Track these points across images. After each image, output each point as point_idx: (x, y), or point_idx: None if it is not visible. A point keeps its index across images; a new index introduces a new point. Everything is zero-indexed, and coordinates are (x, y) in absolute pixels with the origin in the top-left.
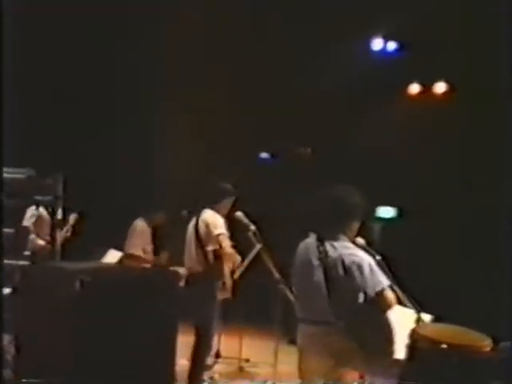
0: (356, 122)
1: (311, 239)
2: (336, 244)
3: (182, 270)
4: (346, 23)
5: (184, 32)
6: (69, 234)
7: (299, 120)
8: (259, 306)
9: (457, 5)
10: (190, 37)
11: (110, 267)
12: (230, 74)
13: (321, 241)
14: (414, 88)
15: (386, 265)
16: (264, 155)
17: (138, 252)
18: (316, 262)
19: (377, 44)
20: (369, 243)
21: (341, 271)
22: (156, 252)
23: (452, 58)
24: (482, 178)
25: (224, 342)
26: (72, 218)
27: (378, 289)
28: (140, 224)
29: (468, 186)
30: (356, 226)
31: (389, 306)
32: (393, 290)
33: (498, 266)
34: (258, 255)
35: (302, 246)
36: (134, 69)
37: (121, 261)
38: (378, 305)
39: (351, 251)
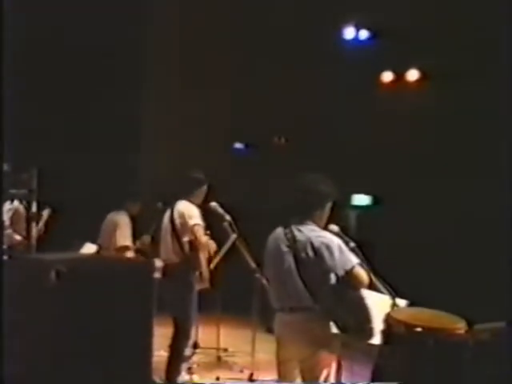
0: (330, 111)
1: (280, 228)
2: (303, 228)
3: (158, 262)
4: (317, 12)
5: (158, 31)
6: (43, 228)
7: (273, 110)
8: (236, 296)
9: None
10: (164, 35)
11: (86, 258)
12: (204, 65)
13: (288, 227)
14: (387, 76)
15: (361, 252)
16: (238, 145)
17: (125, 243)
18: (285, 249)
19: (349, 33)
20: (343, 230)
21: (310, 253)
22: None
23: (425, 45)
24: (458, 164)
25: (202, 333)
26: (46, 212)
27: (348, 267)
28: (121, 216)
29: (444, 173)
30: (325, 214)
31: (361, 284)
32: (363, 268)
33: (475, 252)
34: (233, 245)
35: (271, 236)
36: (107, 61)
37: (98, 253)
38: (350, 283)
39: (319, 233)
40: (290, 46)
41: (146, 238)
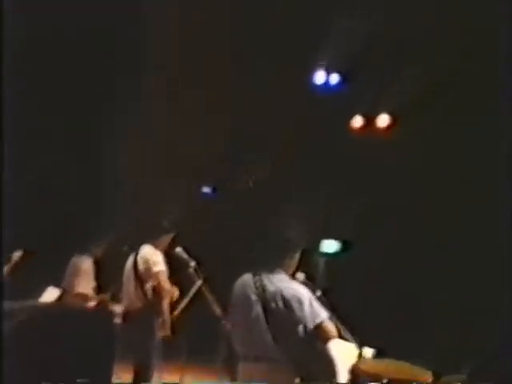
0: (300, 156)
1: (248, 275)
2: (273, 278)
3: (119, 308)
4: (287, 56)
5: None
6: (10, 271)
7: (241, 153)
8: (201, 343)
9: (401, 35)
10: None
11: (46, 306)
12: (169, 108)
13: (257, 275)
14: (357, 121)
15: (328, 300)
16: (206, 189)
17: (87, 290)
18: (254, 297)
19: (319, 77)
20: (309, 278)
21: (280, 304)
22: (99, 289)
23: (395, 89)
24: (430, 211)
25: (166, 381)
26: (15, 255)
27: (318, 321)
28: (85, 261)
29: (415, 220)
30: (295, 260)
31: (329, 338)
32: (332, 322)
33: (444, 300)
34: (199, 291)
35: (238, 282)
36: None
37: (60, 298)
38: (318, 337)
39: (290, 285)
40: (259, 91)
41: (107, 292)
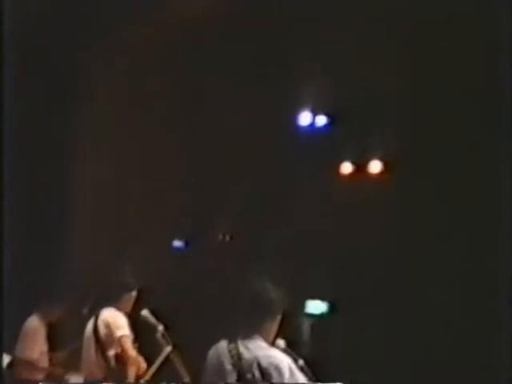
0: (283, 205)
1: (222, 342)
2: (250, 345)
3: (77, 379)
4: (270, 96)
5: None
6: None
7: (219, 204)
8: None
9: (392, 76)
10: None
11: None
12: (141, 159)
13: (233, 342)
14: (347, 167)
15: (312, 369)
16: (177, 243)
17: (34, 356)
18: (228, 367)
19: (304, 118)
20: (291, 344)
21: (257, 374)
22: (51, 355)
23: (388, 133)
24: (423, 265)
25: None
26: None
27: None
28: (34, 322)
29: (407, 278)
30: (274, 325)
31: None
32: None
33: (442, 363)
34: (167, 359)
35: (213, 350)
36: None
37: (11, 365)
38: None
39: (268, 352)
40: (240, 133)
41: (61, 359)
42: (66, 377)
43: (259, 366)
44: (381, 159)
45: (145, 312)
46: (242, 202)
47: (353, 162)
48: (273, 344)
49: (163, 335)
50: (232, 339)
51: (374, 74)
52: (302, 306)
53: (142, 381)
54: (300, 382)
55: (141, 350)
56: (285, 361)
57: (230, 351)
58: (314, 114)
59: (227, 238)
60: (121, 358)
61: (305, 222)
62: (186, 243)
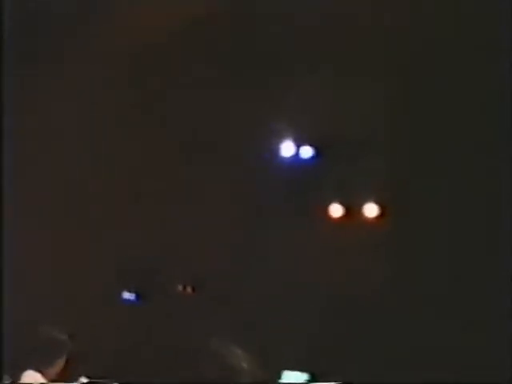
0: (256, 252)
1: None
2: None
3: None
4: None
5: None
6: None
7: (180, 248)
8: None
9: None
10: None
11: None
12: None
13: None
14: (336, 210)
15: None
16: (127, 295)
17: None
18: None
19: (286, 149)
20: None
21: None
22: None
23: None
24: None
25: None
26: None
27: None
28: None
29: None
30: None
31: None
32: None
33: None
34: None
35: None
36: None
37: None
38: None
39: None
40: (212, 165)
41: None
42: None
43: None
44: (377, 201)
45: (83, 380)
46: (209, 247)
47: (343, 204)
48: None
49: None
50: None
51: (368, 99)
52: (278, 377)
53: None
54: None
55: None
56: None
57: None
58: (298, 144)
59: (188, 289)
60: None
61: (283, 272)
62: (137, 294)
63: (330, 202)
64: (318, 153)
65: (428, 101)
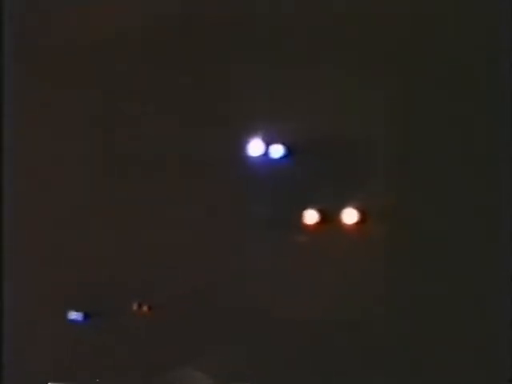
0: (220, 265)
1: None
2: None
3: None
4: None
5: None
6: None
7: (135, 261)
8: None
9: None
10: None
11: None
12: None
13: None
14: (311, 216)
15: None
16: (74, 315)
17: None
18: None
19: (254, 147)
20: None
21: None
22: None
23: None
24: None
25: None
26: None
27: None
28: None
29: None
30: None
31: None
32: None
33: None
34: None
35: None
36: None
37: None
38: None
39: None
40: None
41: None
42: None
43: None
44: (356, 207)
45: None
46: (169, 260)
47: (319, 210)
48: None
49: None
50: None
51: (352, 92)
52: None
53: None
54: None
55: None
56: None
57: None
58: (267, 142)
59: (144, 308)
60: None
61: (251, 287)
62: (86, 315)
63: (303, 208)
64: (290, 152)
65: (424, 100)
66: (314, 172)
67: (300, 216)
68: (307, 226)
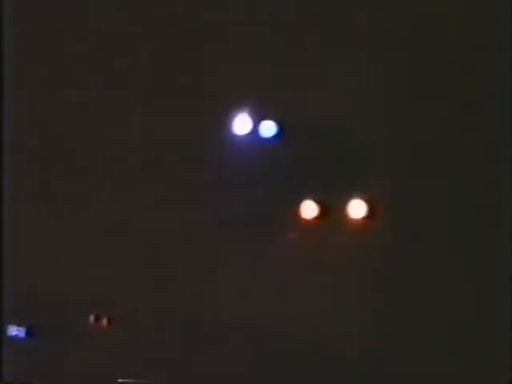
0: (197, 270)
1: None
2: None
3: None
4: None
5: None
6: None
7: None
8: None
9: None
10: None
11: None
12: None
13: None
14: (310, 209)
15: None
16: (14, 331)
17: None
18: None
19: (241, 124)
20: None
21: None
22: None
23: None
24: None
25: None
26: None
27: None
28: None
29: None
30: None
31: None
32: None
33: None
34: None
35: None
36: None
37: None
38: None
39: None
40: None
41: None
42: None
43: None
44: (364, 198)
45: None
46: (131, 268)
47: (319, 202)
48: None
49: None
50: None
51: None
52: None
53: None
54: None
55: None
56: None
57: None
58: (257, 118)
59: (103, 321)
60: None
61: (231, 296)
62: (28, 330)
63: (301, 199)
64: (283, 130)
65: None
66: (312, 154)
67: (296, 208)
68: (305, 221)
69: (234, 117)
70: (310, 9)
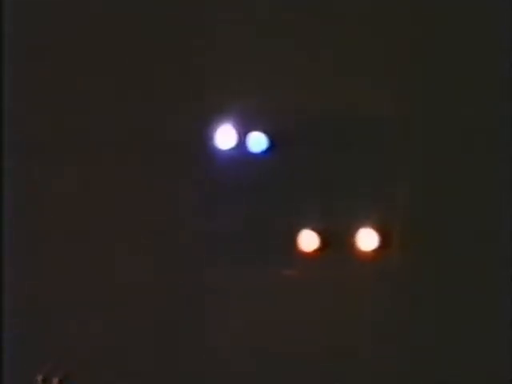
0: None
1: None
2: None
3: None
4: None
5: None
6: None
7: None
8: None
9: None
10: None
11: None
12: None
13: None
14: (309, 239)
15: None
16: None
17: None
18: None
19: (226, 139)
20: None
21: None
22: None
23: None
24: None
25: None
26: None
27: None
28: None
29: None
30: None
31: None
32: None
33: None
34: None
35: None
36: None
37: None
38: None
39: None
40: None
41: None
42: None
43: None
44: (375, 227)
45: None
46: (89, 314)
47: (321, 231)
48: None
49: None
50: None
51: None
52: None
53: None
54: None
55: None
56: None
57: None
58: (242, 130)
59: (54, 382)
60: None
61: (218, 348)
62: None
63: (298, 227)
64: (275, 143)
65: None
66: (310, 173)
67: (293, 239)
68: (304, 254)
69: (216, 128)
70: (302, 11)
